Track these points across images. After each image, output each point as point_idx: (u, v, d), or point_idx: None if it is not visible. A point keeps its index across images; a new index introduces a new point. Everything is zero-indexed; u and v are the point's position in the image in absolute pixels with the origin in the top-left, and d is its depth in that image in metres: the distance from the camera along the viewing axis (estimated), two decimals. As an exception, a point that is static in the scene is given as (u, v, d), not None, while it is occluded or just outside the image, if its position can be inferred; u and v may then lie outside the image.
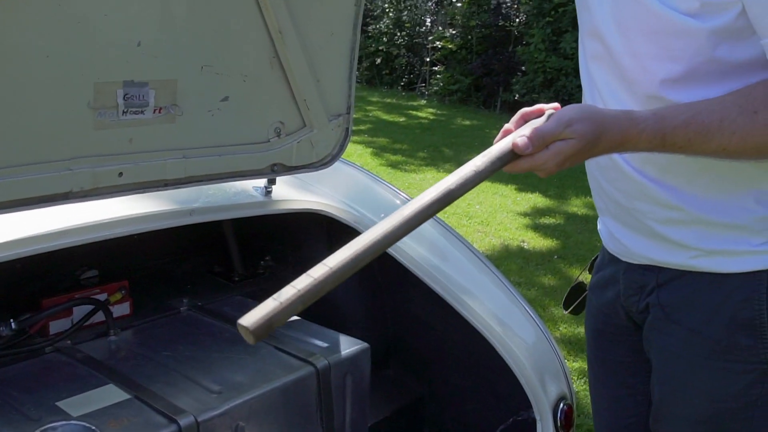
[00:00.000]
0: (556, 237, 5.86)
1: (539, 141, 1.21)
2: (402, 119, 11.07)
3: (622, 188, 1.46)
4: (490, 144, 1.36)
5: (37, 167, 1.70)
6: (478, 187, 4.34)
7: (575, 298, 1.85)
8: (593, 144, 1.23)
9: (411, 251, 2.26)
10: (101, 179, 1.81)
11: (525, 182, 7.47)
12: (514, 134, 1.25)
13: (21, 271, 2.02)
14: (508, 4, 12.32)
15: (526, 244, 5.70)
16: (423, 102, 12.85)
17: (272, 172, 2.18)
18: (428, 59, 13.46)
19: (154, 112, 1.87)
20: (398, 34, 14.11)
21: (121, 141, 1.83)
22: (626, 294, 1.54)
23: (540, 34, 11.09)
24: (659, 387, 1.52)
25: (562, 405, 2.04)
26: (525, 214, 6.50)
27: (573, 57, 10.19)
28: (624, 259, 1.54)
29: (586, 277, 1.80)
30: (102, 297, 2.09)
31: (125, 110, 1.81)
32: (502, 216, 6.37)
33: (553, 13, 11.07)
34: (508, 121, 1.32)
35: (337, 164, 2.42)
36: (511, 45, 12.10)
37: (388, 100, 12.89)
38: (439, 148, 9.00)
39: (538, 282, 4.90)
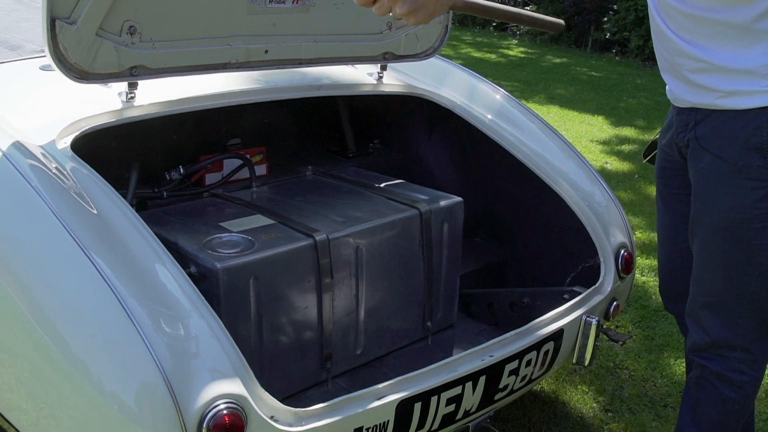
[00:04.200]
0: (637, 161, 6.15)
1: None
2: (493, 56, 11.34)
3: (667, 47, 1.87)
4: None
5: (205, 41, 2.18)
6: (566, 115, 4.81)
7: (651, 151, 2.25)
8: None
9: (495, 126, 2.68)
10: (252, 54, 2.28)
11: (612, 114, 7.73)
12: None
13: (183, 132, 2.51)
14: (602, -57, 12.34)
15: (608, 165, 6.02)
16: (514, 42, 13.06)
17: (384, 59, 2.62)
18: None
19: (293, 2, 2.31)
20: (491, -26, 14.26)
21: (267, 25, 2.29)
22: (677, 132, 1.97)
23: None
24: (693, 204, 1.93)
25: (623, 252, 2.44)
26: (610, 142, 6.78)
27: (665, -6, 10.20)
28: (675, 104, 1.96)
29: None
30: (246, 157, 2.58)
31: (271, -1, 2.27)
32: (586, 142, 6.68)
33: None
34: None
35: (434, 60, 2.85)
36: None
37: (480, 39, 13.12)
38: (529, 82, 9.28)
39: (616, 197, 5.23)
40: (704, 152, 1.88)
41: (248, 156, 2.55)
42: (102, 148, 2.17)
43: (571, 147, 2.77)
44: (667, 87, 2.04)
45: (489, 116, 2.76)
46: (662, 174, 2.16)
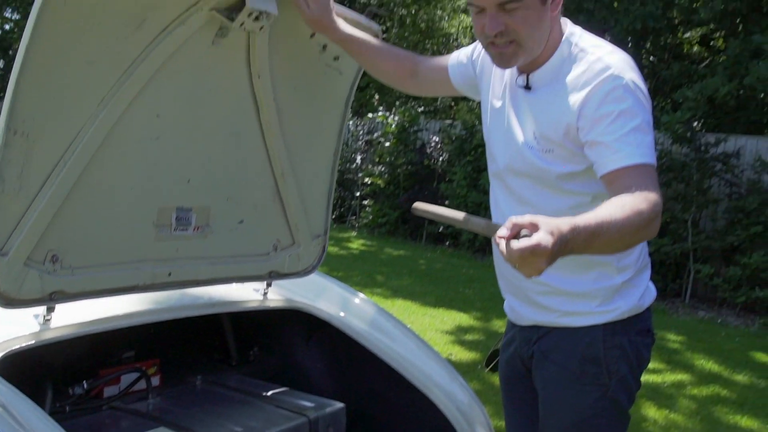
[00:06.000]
0: (479, 350, 6.61)
1: (510, 224, 1.61)
2: (335, 249, 11.85)
3: (514, 273, 2.22)
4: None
5: (116, 266, 2.40)
6: (409, 308, 5.41)
7: (492, 360, 2.59)
8: (558, 230, 1.60)
9: (366, 334, 2.99)
10: (157, 277, 2.52)
11: (451, 305, 8.26)
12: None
13: (82, 348, 2.66)
14: (432, 145, 13.41)
15: (453, 356, 6.43)
16: (354, 234, 13.71)
17: (270, 277, 2.91)
18: (358, 194, 14.40)
19: (194, 230, 2.59)
20: (330, 170, 15.02)
21: (171, 250, 2.54)
22: (520, 346, 2.32)
23: (462, 171, 12.13)
24: (541, 408, 2.28)
25: (488, 448, 2.75)
26: (451, 332, 7.25)
27: (492, 193, 11.13)
28: (518, 323, 2.32)
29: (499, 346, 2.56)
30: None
31: (176, 228, 2.53)
32: (432, 333, 7.11)
33: (473, 152, 12.16)
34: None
35: (312, 276, 3.17)
36: (435, 181, 13.13)
37: (321, 231, 13.68)
38: (372, 275, 9.76)
39: (465, 387, 5.60)
40: (548, 362, 2.25)
41: (144, 368, 2.73)
42: (14, 367, 2.30)
43: (431, 349, 3.11)
44: (507, 306, 2.40)
45: (361, 325, 3.07)
46: (507, 381, 2.51)
